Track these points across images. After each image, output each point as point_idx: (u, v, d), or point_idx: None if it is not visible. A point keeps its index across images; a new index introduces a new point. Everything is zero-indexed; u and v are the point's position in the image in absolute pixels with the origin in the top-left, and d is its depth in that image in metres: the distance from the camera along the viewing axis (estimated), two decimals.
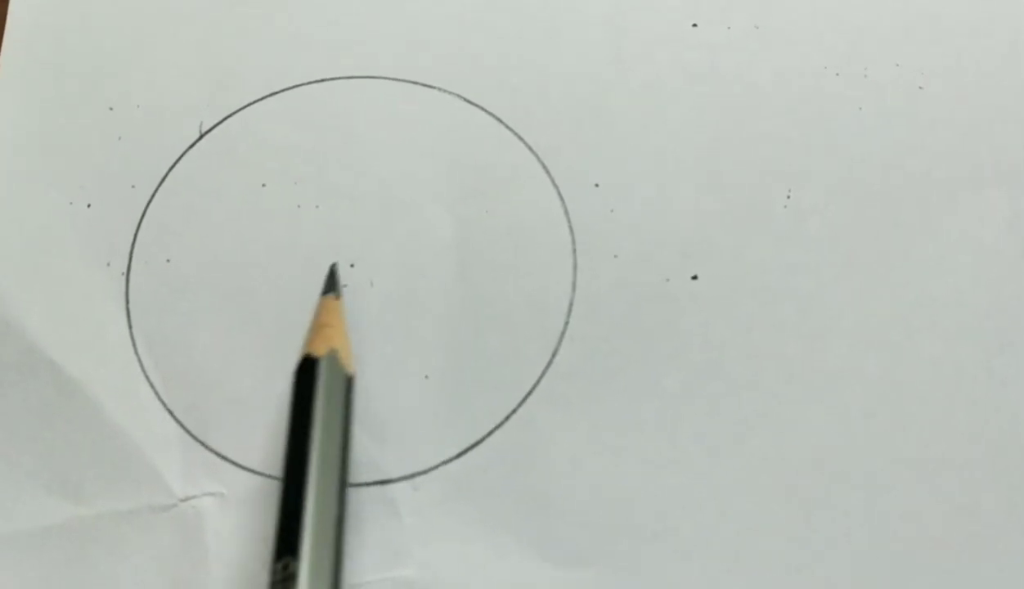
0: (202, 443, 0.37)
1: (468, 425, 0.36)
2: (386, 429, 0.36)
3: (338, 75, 0.41)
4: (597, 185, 0.39)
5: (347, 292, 0.38)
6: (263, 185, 0.40)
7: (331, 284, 0.37)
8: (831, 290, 0.38)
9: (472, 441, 0.36)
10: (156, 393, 0.37)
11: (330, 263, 0.38)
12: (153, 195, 0.40)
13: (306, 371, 0.34)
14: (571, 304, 0.38)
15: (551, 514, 0.35)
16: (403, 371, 0.37)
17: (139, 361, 0.38)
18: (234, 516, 0.36)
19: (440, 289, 0.38)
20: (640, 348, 0.37)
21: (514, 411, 0.36)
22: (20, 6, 0.43)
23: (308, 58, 0.42)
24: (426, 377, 0.37)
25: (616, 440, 0.36)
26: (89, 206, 0.40)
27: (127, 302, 0.38)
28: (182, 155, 0.40)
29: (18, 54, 0.42)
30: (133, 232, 0.39)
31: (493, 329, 0.38)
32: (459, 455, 0.36)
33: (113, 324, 0.38)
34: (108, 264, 0.39)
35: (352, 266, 0.38)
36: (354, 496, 0.35)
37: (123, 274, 0.39)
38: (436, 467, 0.36)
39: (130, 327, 0.38)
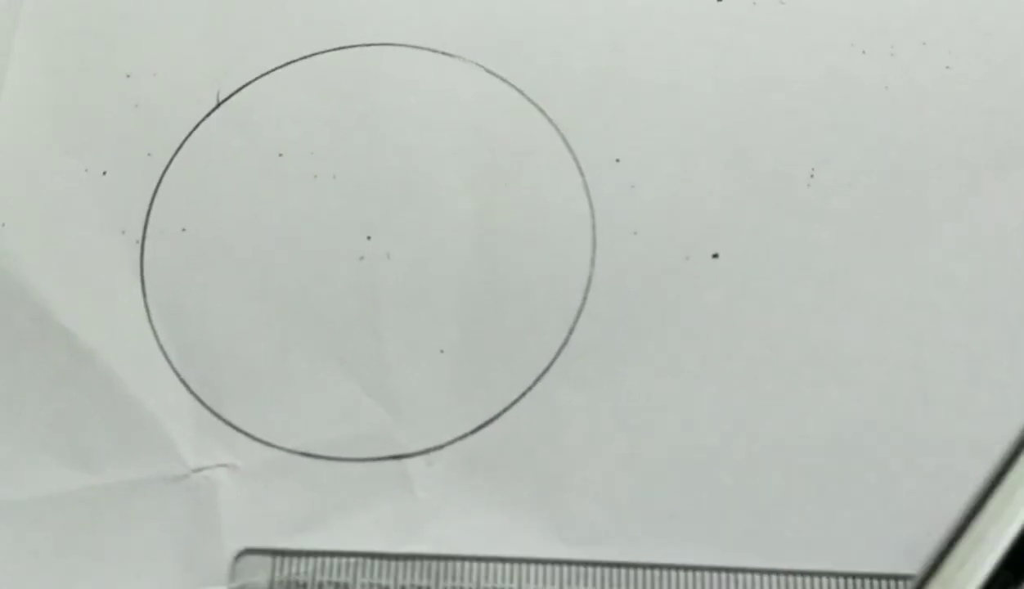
0: (216, 414, 0.36)
1: (484, 401, 0.35)
2: (401, 403, 0.36)
3: (357, 43, 0.40)
4: (618, 160, 0.38)
5: (363, 264, 0.37)
6: (280, 155, 0.39)
7: None
8: (853, 270, 0.37)
9: (488, 417, 0.35)
10: (170, 363, 0.36)
11: (348, 234, 0.37)
12: (169, 163, 0.39)
13: None
14: (589, 281, 0.37)
15: (566, 492, 0.35)
16: (419, 345, 0.36)
17: (153, 331, 0.37)
18: (247, 488, 0.35)
19: (457, 262, 0.37)
20: (658, 326, 0.36)
21: (530, 388, 0.35)
22: None
23: (327, 26, 0.40)
24: (441, 351, 0.36)
25: (633, 419, 0.35)
26: (105, 173, 0.39)
27: (142, 271, 0.37)
28: (199, 123, 0.39)
29: (35, 22, 0.41)
30: (149, 200, 0.38)
31: (510, 305, 0.37)
32: (474, 431, 0.35)
33: (127, 293, 0.37)
34: (123, 232, 0.38)
35: (369, 238, 0.37)
36: (367, 470, 0.35)
37: (138, 242, 0.38)
38: (451, 442, 0.35)
39: (144, 296, 0.37)
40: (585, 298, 0.36)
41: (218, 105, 0.39)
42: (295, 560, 0.34)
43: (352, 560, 0.34)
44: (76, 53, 0.41)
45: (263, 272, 0.37)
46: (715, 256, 0.37)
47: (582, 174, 0.38)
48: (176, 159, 0.39)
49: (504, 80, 0.39)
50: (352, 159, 0.39)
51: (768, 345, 0.36)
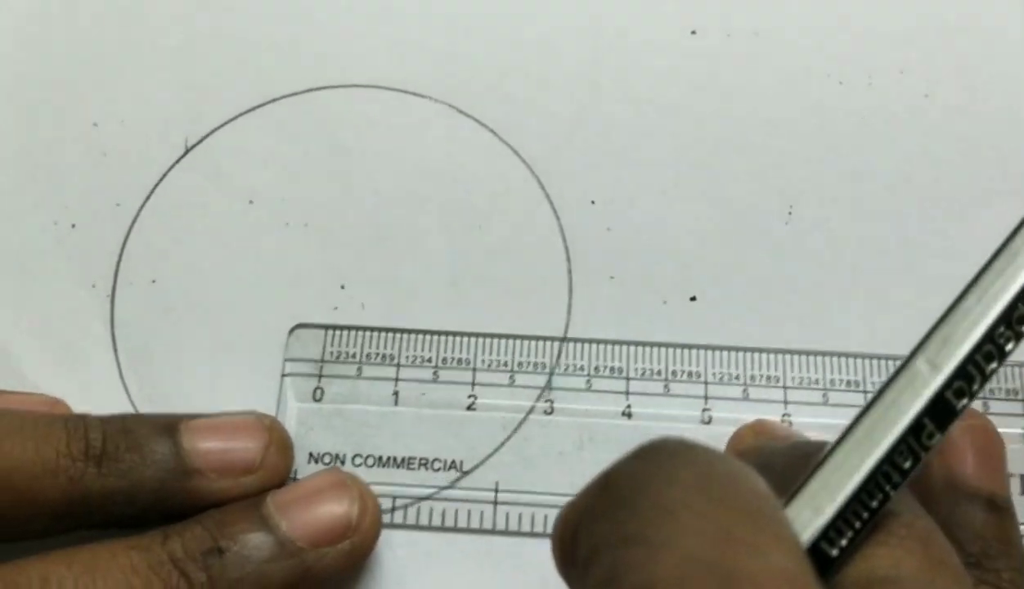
0: None
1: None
2: None
3: (325, 85, 0.39)
4: (593, 202, 0.37)
5: (337, 314, 0.36)
6: (250, 202, 0.38)
7: None
8: (835, 309, 0.36)
9: (468, 467, 0.34)
10: None
11: (321, 283, 0.36)
12: (138, 214, 0.37)
13: None
14: (567, 326, 0.36)
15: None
16: None
17: (124, 385, 0.36)
18: None
19: (432, 309, 0.36)
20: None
21: (509, 437, 0.35)
22: (0, 20, 0.40)
23: (294, 68, 0.39)
24: (423, 394, 0.35)
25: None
26: (73, 226, 0.38)
27: (112, 324, 0.36)
28: (167, 171, 0.38)
29: None
30: (118, 252, 0.37)
31: None
32: (451, 486, 0.34)
33: (98, 347, 0.36)
34: (93, 286, 0.37)
35: (343, 287, 0.36)
36: None
37: (108, 296, 0.37)
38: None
39: (115, 350, 0.36)
40: (548, 392, 0.35)
41: (186, 152, 0.38)
42: (346, 333, 0.35)
43: (398, 335, 0.35)
44: (42, 102, 0.39)
45: (235, 323, 0.36)
46: (693, 299, 0.36)
47: (557, 216, 0.37)
48: (145, 209, 0.38)
49: (476, 120, 0.38)
50: (323, 205, 0.38)
51: (749, 388, 0.35)
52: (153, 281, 0.37)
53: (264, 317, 0.36)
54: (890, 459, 0.22)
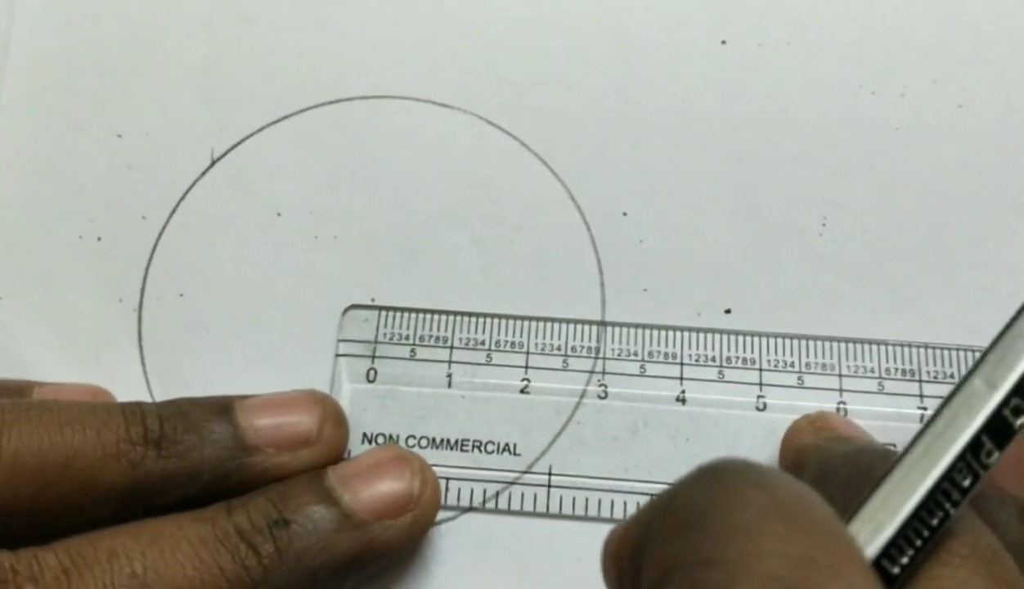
0: None
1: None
2: None
3: (354, 95, 0.40)
4: (625, 214, 0.38)
5: (368, 327, 0.37)
6: (278, 214, 0.38)
7: None
8: (871, 322, 0.36)
9: (504, 483, 0.35)
10: None
11: (351, 296, 0.37)
12: (164, 227, 0.38)
13: None
14: (600, 339, 0.36)
15: (585, 562, 0.34)
16: None
17: (153, 399, 0.36)
18: None
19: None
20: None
21: (544, 451, 0.35)
22: (24, 31, 0.41)
23: (322, 78, 0.40)
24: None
25: (652, 480, 0.35)
26: (99, 239, 0.38)
27: (140, 339, 0.37)
28: (193, 184, 0.39)
29: (22, 81, 0.40)
30: (145, 266, 0.38)
31: None
32: (488, 500, 0.35)
33: (126, 363, 0.37)
34: (120, 300, 0.37)
35: (372, 300, 0.37)
36: None
37: (135, 310, 0.37)
38: (465, 512, 0.35)
39: (144, 365, 0.37)
40: (596, 358, 0.36)
41: (212, 164, 0.39)
42: (399, 315, 0.37)
43: (451, 317, 0.37)
44: (66, 114, 0.40)
45: (264, 337, 0.37)
46: (727, 311, 0.37)
47: (589, 229, 0.38)
48: (171, 222, 0.38)
49: (505, 131, 0.39)
50: (353, 217, 0.38)
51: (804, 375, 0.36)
52: (181, 295, 0.37)
53: (293, 332, 0.37)
54: (949, 477, 0.23)
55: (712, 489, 0.22)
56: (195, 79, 0.40)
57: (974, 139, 0.38)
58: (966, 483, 0.23)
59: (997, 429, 0.23)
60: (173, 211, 0.38)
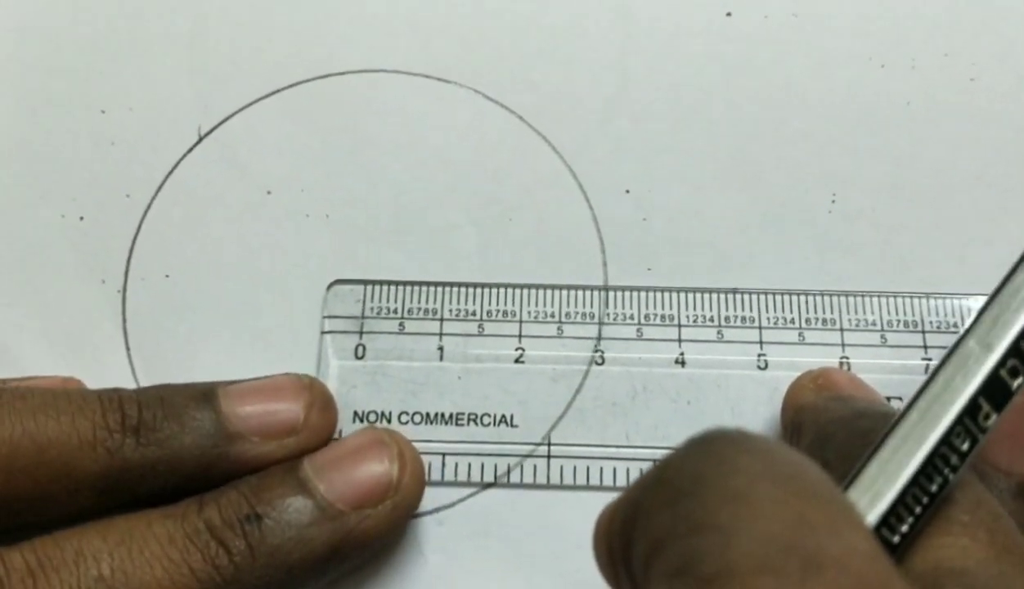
0: None
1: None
2: None
3: (347, 69, 0.41)
4: (628, 191, 0.40)
5: (354, 301, 0.38)
6: (268, 192, 0.40)
7: None
8: (881, 300, 0.38)
9: (500, 471, 0.37)
10: None
11: (344, 276, 0.39)
12: (149, 205, 0.40)
13: None
14: (602, 321, 0.38)
15: (583, 549, 0.36)
16: None
17: (137, 384, 0.38)
18: None
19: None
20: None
21: (544, 438, 0.37)
22: (3, 4, 0.43)
23: (314, 52, 0.42)
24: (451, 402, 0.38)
25: (647, 448, 0.37)
26: (82, 219, 0.40)
27: (124, 322, 0.39)
28: (180, 160, 0.40)
29: (1, 55, 0.42)
30: (129, 246, 0.39)
31: None
32: (485, 487, 0.36)
33: (110, 346, 0.38)
34: (103, 281, 0.39)
35: (367, 279, 0.39)
36: None
37: (119, 291, 0.39)
38: (462, 500, 0.36)
39: (128, 348, 0.38)
40: (598, 342, 0.38)
41: (200, 140, 0.41)
42: (386, 288, 0.38)
43: (441, 288, 0.38)
44: (47, 88, 0.42)
45: (252, 320, 0.39)
46: (733, 291, 0.38)
47: (591, 207, 0.39)
48: (156, 200, 0.40)
49: (504, 107, 0.41)
50: (346, 195, 0.40)
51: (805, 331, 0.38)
52: (166, 276, 0.39)
53: (283, 313, 0.39)
54: (947, 441, 0.25)
55: (703, 458, 0.23)
56: (181, 52, 0.42)
57: (986, 113, 0.40)
58: (964, 447, 0.25)
59: (994, 391, 0.25)
60: (158, 189, 0.40)
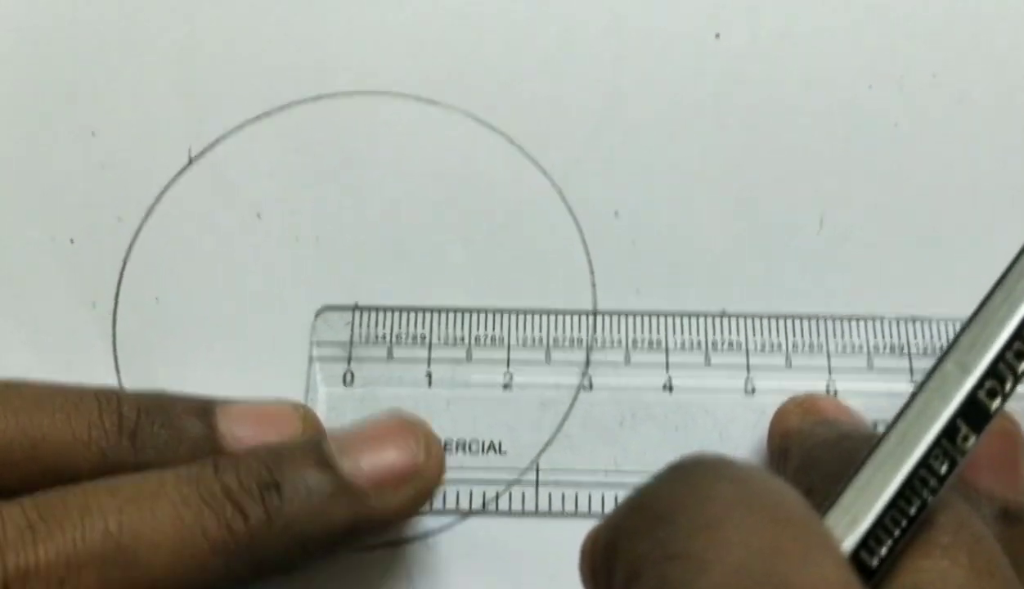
0: None
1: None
2: None
3: (336, 91, 0.42)
4: (617, 213, 0.40)
5: (343, 328, 0.39)
6: (258, 215, 0.40)
7: None
8: (867, 324, 0.38)
9: (489, 495, 0.37)
10: None
11: (333, 301, 0.39)
12: (140, 228, 0.40)
13: None
14: (591, 343, 0.38)
15: (568, 574, 0.36)
16: None
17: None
18: None
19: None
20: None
21: (531, 466, 0.37)
22: None
23: (304, 73, 0.42)
24: None
25: (636, 475, 0.37)
26: (72, 241, 0.40)
27: (114, 345, 0.39)
28: (170, 183, 0.41)
29: None
30: (119, 269, 0.40)
31: None
32: (472, 515, 0.37)
33: (100, 369, 0.39)
34: (94, 304, 0.39)
35: (356, 303, 0.39)
36: (362, 558, 0.36)
37: (110, 315, 0.39)
38: (450, 527, 0.37)
39: (118, 373, 0.39)
40: (586, 367, 0.38)
41: (190, 162, 0.41)
42: (375, 314, 0.39)
43: (429, 313, 0.39)
44: (37, 110, 0.42)
45: (243, 344, 0.39)
46: (722, 314, 0.39)
47: (580, 229, 0.40)
48: (147, 223, 0.40)
49: (494, 129, 0.41)
50: (336, 217, 0.40)
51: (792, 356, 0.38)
52: (157, 299, 0.40)
53: (274, 337, 0.39)
54: (925, 464, 0.25)
55: (681, 485, 0.24)
56: (171, 73, 0.42)
57: (974, 133, 0.41)
58: (943, 470, 0.25)
59: (972, 413, 0.25)
60: (149, 212, 0.40)
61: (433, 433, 0.34)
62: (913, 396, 0.26)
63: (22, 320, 0.39)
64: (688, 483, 0.23)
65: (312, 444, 0.32)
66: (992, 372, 0.25)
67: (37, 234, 0.40)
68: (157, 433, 0.32)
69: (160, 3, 0.43)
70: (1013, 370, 0.25)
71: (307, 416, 0.35)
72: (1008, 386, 0.25)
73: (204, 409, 0.34)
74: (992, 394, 0.25)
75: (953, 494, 0.26)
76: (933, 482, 0.25)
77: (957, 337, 0.26)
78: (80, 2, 0.43)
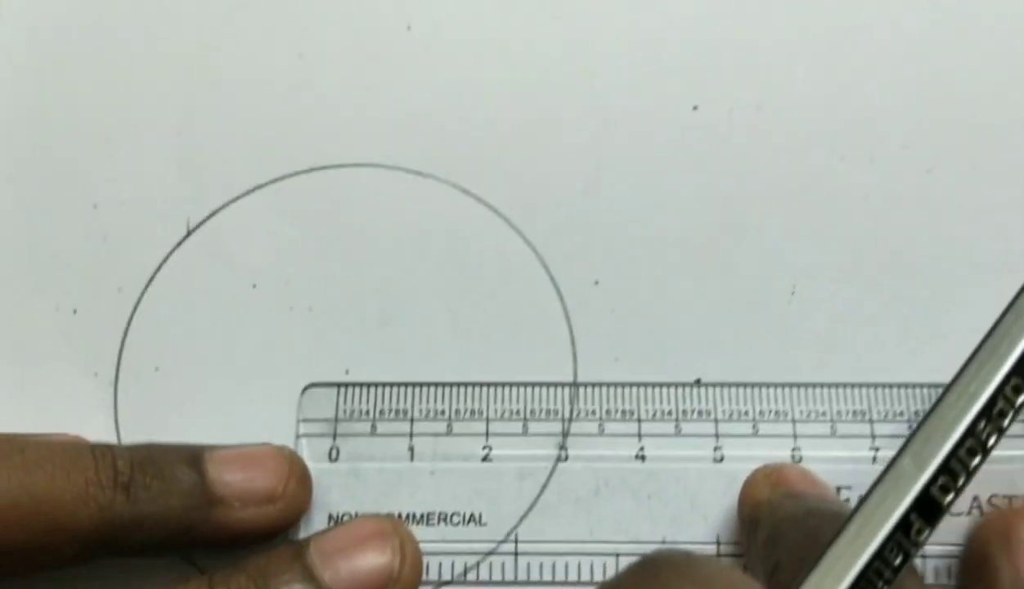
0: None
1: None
2: None
3: (328, 164, 0.43)
4: (597, 282, 0.42)
5: (327, 404, 0.40)
6: (254, 286, 0.42)
7: None
8: (831, 391, 0.40)
9: (473, 561, 0.38)
10: None
11: (327, 368, 0.40)
12: (140, 299, 0.42)
13: None
14: (571, 412, 0.40)
15: None
16: None
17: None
18: None
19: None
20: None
21: (510, 537, 0.39)
22: None
23: (296, 146, 0.44)
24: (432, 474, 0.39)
25: (611, 543, 0.39)
26: (75, 312, 0.42)
27: (116, 414, 0.40)
28: (169, 254, 0.42)
29: None
30: (120, 339, 0.41)
31: None
32: (451, 585, 0.38)
33: (102, 437, 0.40)
34: (96, 374, 0.41)
35: (347, 371, 0.41)
36: None
37: (111, 384, 0.41)
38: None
39: (119, 440, 0.40)
40: (562, 438, 0.40)
41: (188, 234, 0.43)
42: (358, 390, 0.40)
43: (410, 388, 0.40)
44: (41, 182, 0.43)
45: (240, 411, 0.40)
46: (697, 381, 0.40)
47: (561, 297, 0.41)
48: (147, 294, 0.42)
49: (481, 200, 0.43)
50: (328, 287, 0.42)
51: (759, 423, 0.39)
52: (156, 369, 0.41)
53: (269, 404, 0.40)
54: (880, 556, 0.27)
55: (644, 582, 0.25)
56: (170, 148, 0.44)
57: (943, 204, 0.42)
58: (897, 561, 0.27)
59: (926, 507, 0.27)
60: (149, 283, 0.42)
61: (411, 536, 0.36)
62: (872, 489, 0.27)
63: (27, 388, 0.41)
64: (651, 581, 0.25)
65: (297, 557, 0.34)
66: (945, 469, 0.27)
67: (42, 304, 0.42)
68: (150, 484, 0.35)
69: (159, 79, 0.45)
70: (966, 466, 0.27)
71: (292, 458, 0.37)
72: (961, 481, 0.27)
73: (194, 457, 0.36)
74: (945, 490, 0.27)
75: (913, 578, 0.28)
76: (888, 574, 0.26)
77: (913, 433, 0.28)
78: (82, 79, 0.45)
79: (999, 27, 0.44)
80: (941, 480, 0.27)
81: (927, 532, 0.27)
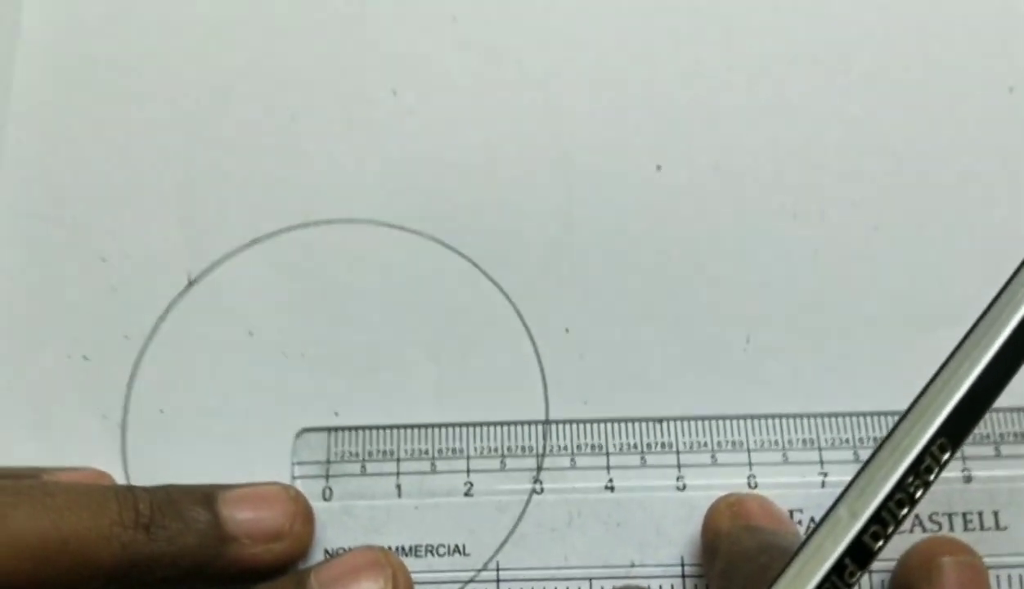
0: None
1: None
2: None
3: (320, 219, 0.46)
4: (567, 330, 0.45)
5: (320, 447, 0.43)
6: (250, 334, 0.45)
7: None
8: (783, 422, 0.43)
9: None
10: None
11: (317, 411, 0.44)
12: (145, 346, 0.45)
13: None
14: (544, 448, 0.43)
15: None
16: None
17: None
18: None
19: None
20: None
21: (491, 566, 0.42)
22: (10, 162, 0.47)
23: (290, 203, 0.46)
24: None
25: (583, 568, 0.42)
26: (85, 358, 0.45)
27: (124, 454, 0.43)
28: (171, 305, 0.45)
29: (12, 209, 0.47)
30: (127, 383, 0.44)
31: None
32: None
33: (111, 473, 0.43)
34: (104, 416, 0.44)
35: (336, 414, 0.44)
36: None
37: (119, 426, 0.44)
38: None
39: (128, 480, 0.43)
40: (537, 473, 0.43)
41: (189, 286, 0.46)
42: (349, 433, 0.43)
43: (397, 430, 0.43)
44: (53, 239, 0.46)
45: (236, 454, 0.43)
46: (659, 421, 0.43)
47: (534, 344, 0.45)
48: (151, 341, 0.45)
49: (461, 254, 0.46)
50: (320, 335, 0.45)
51: (717, 453, 0.43)
52: (161, 411, 0.44)
53: (266, 441, 0.44)
54: None
55: None
56: (172, 206, 0.47)
57: (888, 260, 0.45)
58: None
59: (859, 552, 0.30)
60: (153, 331, 0.45)
61: (403, 567, 0.39)
62: (810, 535, 0.31)
63: (41, 429, 0.44)
64: None
65: (298, 586, 0.38)
66: (876, 518, 0.30)
67: (54, 351, 0.45)
68: (168, 525, 0.38)
69: (162, 142, 0.47)
70: (895, 516, 0.30)
71: (298, 498, 0.41)
72: (890, 529, 0.30)
73: (208, 497, 0.39)
74: (876, 537, 0.30)
75: None
76: None
77: (850, 485, 0.31)
78: (91, 145, 0.47)
79: (942, 96, 0.47)
80: (873, 528, 0.30)
81: (859, 574, 0.30)
